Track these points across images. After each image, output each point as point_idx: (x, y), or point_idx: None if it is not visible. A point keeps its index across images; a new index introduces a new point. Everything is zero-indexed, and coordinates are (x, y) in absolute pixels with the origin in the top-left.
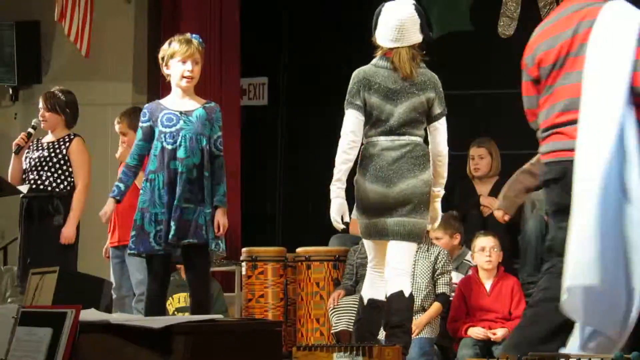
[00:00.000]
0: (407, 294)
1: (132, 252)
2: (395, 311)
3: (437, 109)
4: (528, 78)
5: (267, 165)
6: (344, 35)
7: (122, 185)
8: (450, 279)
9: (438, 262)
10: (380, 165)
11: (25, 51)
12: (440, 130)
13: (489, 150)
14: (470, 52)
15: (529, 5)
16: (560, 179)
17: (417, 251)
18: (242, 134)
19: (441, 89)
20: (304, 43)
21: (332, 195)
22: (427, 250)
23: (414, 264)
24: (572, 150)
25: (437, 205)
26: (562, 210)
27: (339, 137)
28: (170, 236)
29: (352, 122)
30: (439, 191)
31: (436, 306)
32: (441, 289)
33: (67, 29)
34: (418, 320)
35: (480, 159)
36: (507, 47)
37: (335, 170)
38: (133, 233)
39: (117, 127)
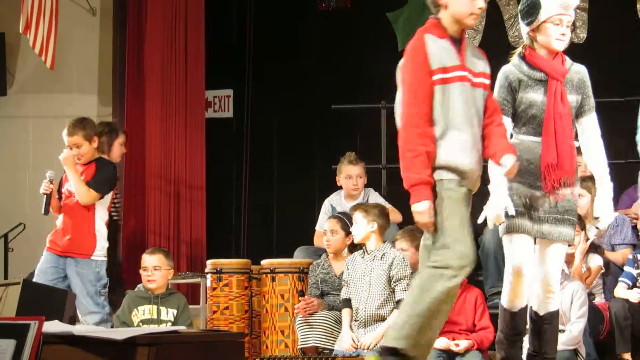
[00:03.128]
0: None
1: None
2: None
3: None
4: None
5: (232, 178)
6: (309, 47)
7: None
8: (409, 284)
9: (394, 268)
10: None
11: None
12: None
13: None
14: None
15: (493, 17)
16: None
17: (372, 259)
18: (207, 146)
19: None
20: (269, 55)
21: None
22: (382, 258)
23: (370, 273)
24: None
25: None
26: None
27: (303, 149)
28: None
29: None
30: None
31: (396, 314)
32: (400, 295)
33: (32, 41)
34: (377, 331)
35: None
36: None
37: None
38: None
39: (68, 140)
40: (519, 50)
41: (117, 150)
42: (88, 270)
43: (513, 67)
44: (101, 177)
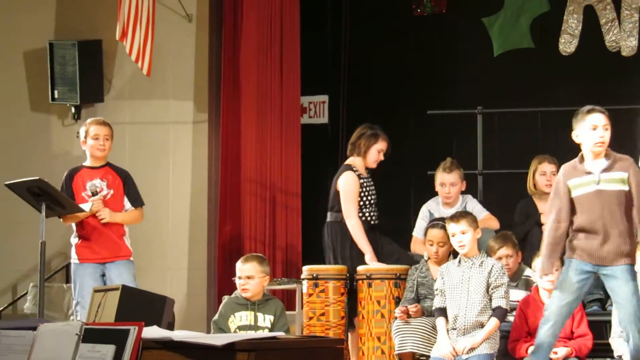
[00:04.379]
0: None
1: None
2: None
3: None
4: None
5: (327, 184)
6: (404, 53)
7: None
8: (506, 291)
9: (492, 276)
10: None
11: (88, 70)
12: None
13: (558, 168)
14: (531, 69)
15: (590, 22)
16: None
17: (470, 266)
18: (303, 152)
19: None
20: (364, 60)
21: None
22: (481, 265)
23: (468, 280)
24: None
25: None
26: None
27: (398, 154)
28: None
29: None
30: None
31: (494, 321)
32: (497, 302)
33: (129, 48)
34: (475, 337)
35: (553, 176)
36: (568, 65)
37: None
38: None
39: (99, 129)
40: None
41: (372, 156)
42: None
43: None
44: (135, 188)
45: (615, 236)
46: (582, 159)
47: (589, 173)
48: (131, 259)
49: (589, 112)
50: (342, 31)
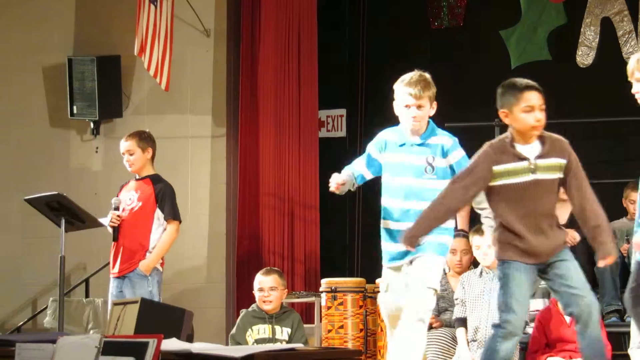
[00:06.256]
0: None
1: None
2: None
3: None
4: None
5: (345, 197)
6: (421, 66)
7: None
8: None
9: None
10: None
11: (106, 85)
12: None
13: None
14: (548, 82)
15: (607, 34)
16: None
17: (491, 278)
18: (321, 166)
19: None
20: (382, 74)
21: None
22: (492, 280)
23: (490, 292)
24: None
25: None
26: None
27: None
28: None
29: None
30: None
31: None
32: None
33: (147, 63)
34: None
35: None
36: (586, 77)
37: None
38: None
39: (122, 146)
40: None
41: None
42: None
43: None
44: (170, 202)
45: (547, 230)
46: (513, 140)
47: (523, 159)
48: (139, 269)
49: (524, 89)
50: (360, 44)
